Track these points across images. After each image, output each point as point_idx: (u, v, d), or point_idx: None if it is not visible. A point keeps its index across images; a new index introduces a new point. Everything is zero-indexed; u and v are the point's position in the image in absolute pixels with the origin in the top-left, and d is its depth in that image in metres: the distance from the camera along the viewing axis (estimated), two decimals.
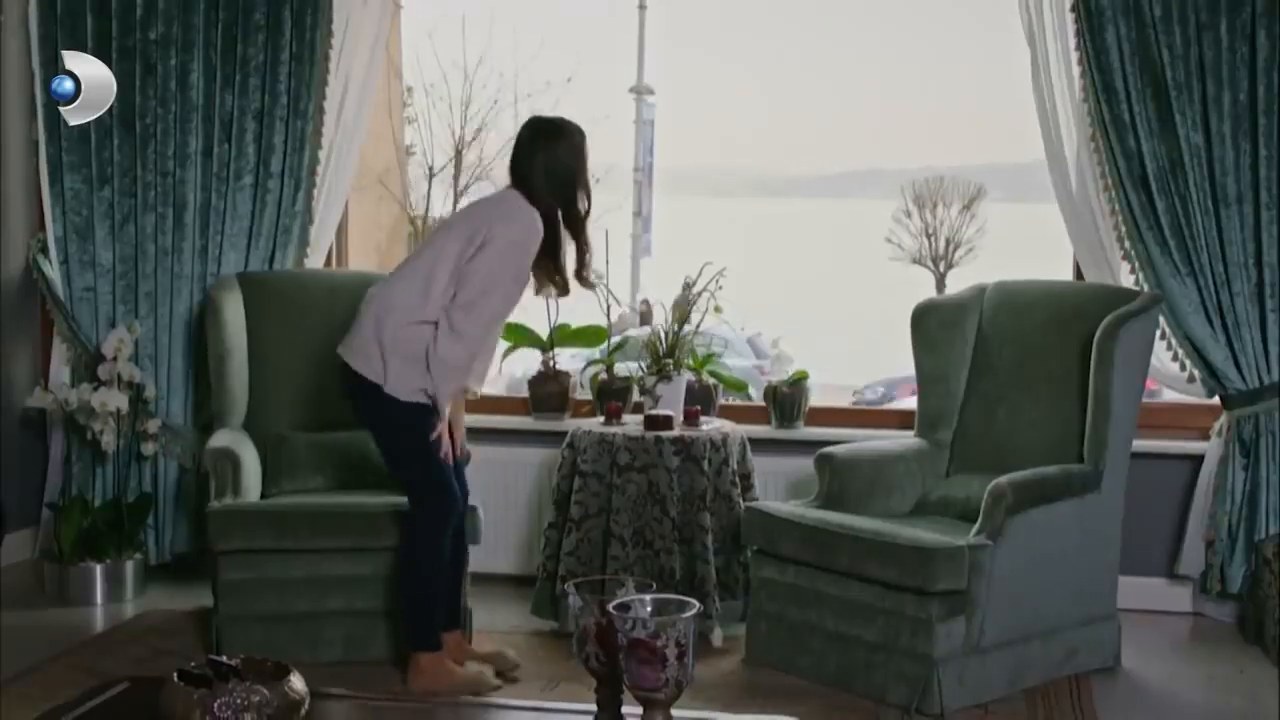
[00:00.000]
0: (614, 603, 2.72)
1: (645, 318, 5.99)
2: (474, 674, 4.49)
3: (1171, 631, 5.30)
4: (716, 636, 4.93)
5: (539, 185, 4.45)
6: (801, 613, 4.66)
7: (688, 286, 5.50)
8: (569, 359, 6.14)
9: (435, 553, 4.48)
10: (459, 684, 4.42)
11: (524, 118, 4.64)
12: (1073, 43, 5.28)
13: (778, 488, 5.49)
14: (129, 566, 5.52)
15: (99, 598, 5.44)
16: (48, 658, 4.75)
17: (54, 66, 5.59)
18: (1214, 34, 5.11)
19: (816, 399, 5.79)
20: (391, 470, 4.59)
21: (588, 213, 4.55)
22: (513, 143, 4.56)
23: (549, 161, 4.46)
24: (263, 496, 5.00)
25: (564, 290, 4.62)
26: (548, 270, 4.53)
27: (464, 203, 12.56)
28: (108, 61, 5.55)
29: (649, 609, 2.73)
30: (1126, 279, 5.30)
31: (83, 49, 5.56)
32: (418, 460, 4.46)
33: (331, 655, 4.70)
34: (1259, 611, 5.06)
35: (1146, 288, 5.20)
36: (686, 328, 5.47)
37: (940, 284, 19.68)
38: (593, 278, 4.69)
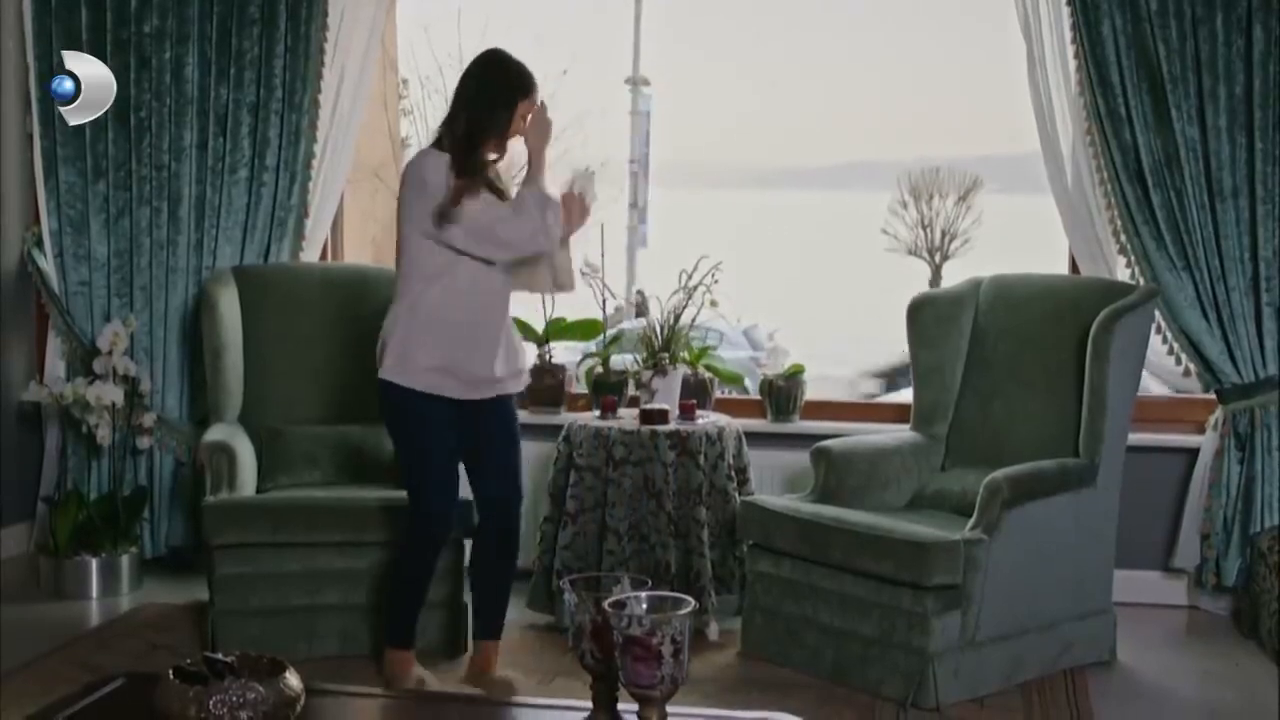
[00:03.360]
0: (609, 600, 2.73)
1: (641, 309, 5.99)
2: (417, 680, 4.42)
3: (1167, 625, 5.31)
4: (712, 630, 4.94)
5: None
6: (797, 607, 4.66)
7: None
8: (564, 352, 6.13)
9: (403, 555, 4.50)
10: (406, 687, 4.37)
11: None
12: (1069, 36, 5.28)
13: (774, 481, 5.49)
14: (124, 560, 5.51)
15: (94, 591, 5.44)
16: (43, 652, 4.74)
17: (49, 60, 5.59)
18: (1210, 27, 5.11)
19: (813, 391, 5.79)
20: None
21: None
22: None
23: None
24: (258, 491, 4.99)
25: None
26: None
27: None
28: (102, 55, 5.54)
29: (644, 606, 2.74)
30: (1122, 273, 5.30)
31: (77, 42, 5.56)
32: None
33: (327, 649, 4.70)
34: (1254, 605, 5.07)
35: (1142, 281, 5.20)
36: (682, 321, 5.47)
37: (936, 276, 19.65)
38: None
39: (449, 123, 4.29)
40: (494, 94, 4.27)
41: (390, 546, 4.68)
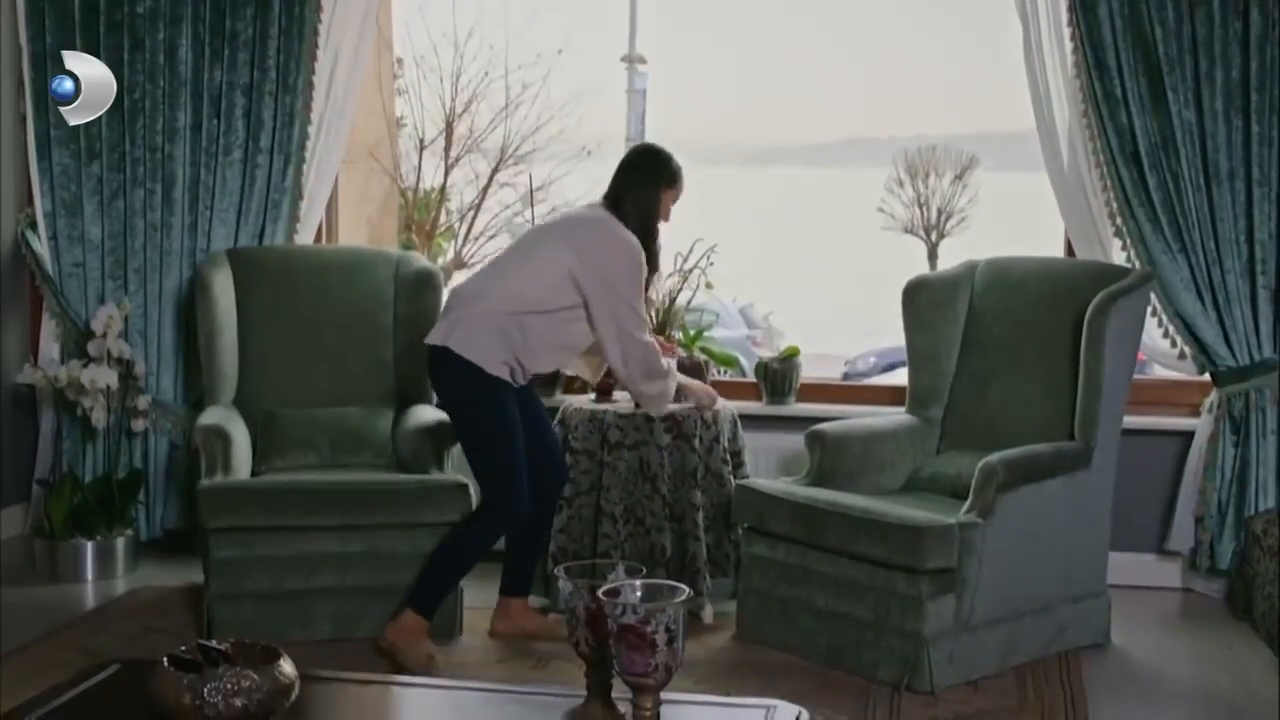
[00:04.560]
0: (604, 588, 2.73)
1: None
2: (427, 657, 4.50)
3: (1161, 607, 5.32)
4: (707, 614, 4.95)
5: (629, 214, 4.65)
6: (792, 590, 4.67)
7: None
8: None
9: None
10: (415, 658, 4.45)
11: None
12: (1065, 18, 5.27)
13: (769, 464, 5.50)
14: (119, 543, 5.51)
15: (90, 575, 5.43)
16: (39, 635, 4.75)
17: (42, 41, 5.57)
18: (1206, 9, 5.09)
19: (807, 370, 5.79)
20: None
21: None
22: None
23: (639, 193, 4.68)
24: (253, 474, 4.99)
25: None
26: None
27: (455, 165, 12.47)
28: (95, 36, 5.54)
29: (639, 594, 2.74)
30: (1118, 256, 5.30)
31: (70, 24, 5.54)
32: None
33: (322, 633, 4.71)
34: (1248, 588, 5.08)
35: (1138, 264, 5.19)
36: (678, 303, 5.46)
37: (932, 254, 19.63)
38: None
39: (614, 206, 4.66)
40: (645, 180, 4.69)
41: (386, 530, 4.71)
